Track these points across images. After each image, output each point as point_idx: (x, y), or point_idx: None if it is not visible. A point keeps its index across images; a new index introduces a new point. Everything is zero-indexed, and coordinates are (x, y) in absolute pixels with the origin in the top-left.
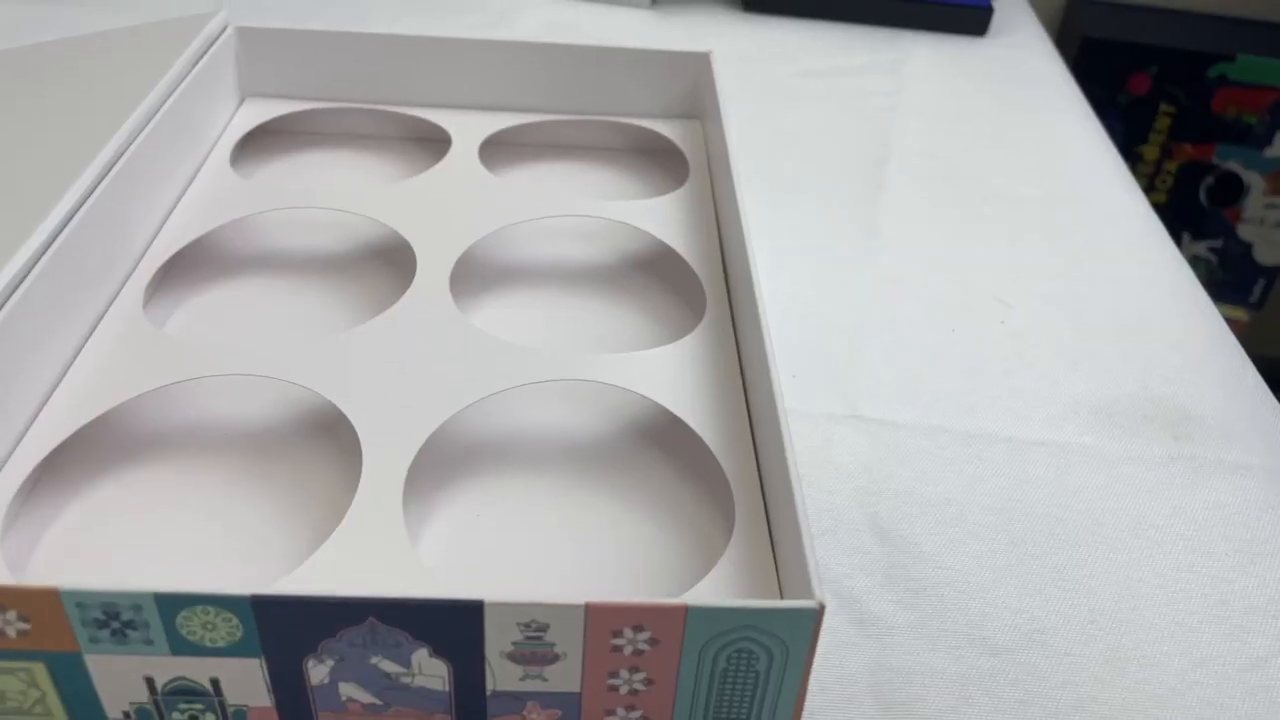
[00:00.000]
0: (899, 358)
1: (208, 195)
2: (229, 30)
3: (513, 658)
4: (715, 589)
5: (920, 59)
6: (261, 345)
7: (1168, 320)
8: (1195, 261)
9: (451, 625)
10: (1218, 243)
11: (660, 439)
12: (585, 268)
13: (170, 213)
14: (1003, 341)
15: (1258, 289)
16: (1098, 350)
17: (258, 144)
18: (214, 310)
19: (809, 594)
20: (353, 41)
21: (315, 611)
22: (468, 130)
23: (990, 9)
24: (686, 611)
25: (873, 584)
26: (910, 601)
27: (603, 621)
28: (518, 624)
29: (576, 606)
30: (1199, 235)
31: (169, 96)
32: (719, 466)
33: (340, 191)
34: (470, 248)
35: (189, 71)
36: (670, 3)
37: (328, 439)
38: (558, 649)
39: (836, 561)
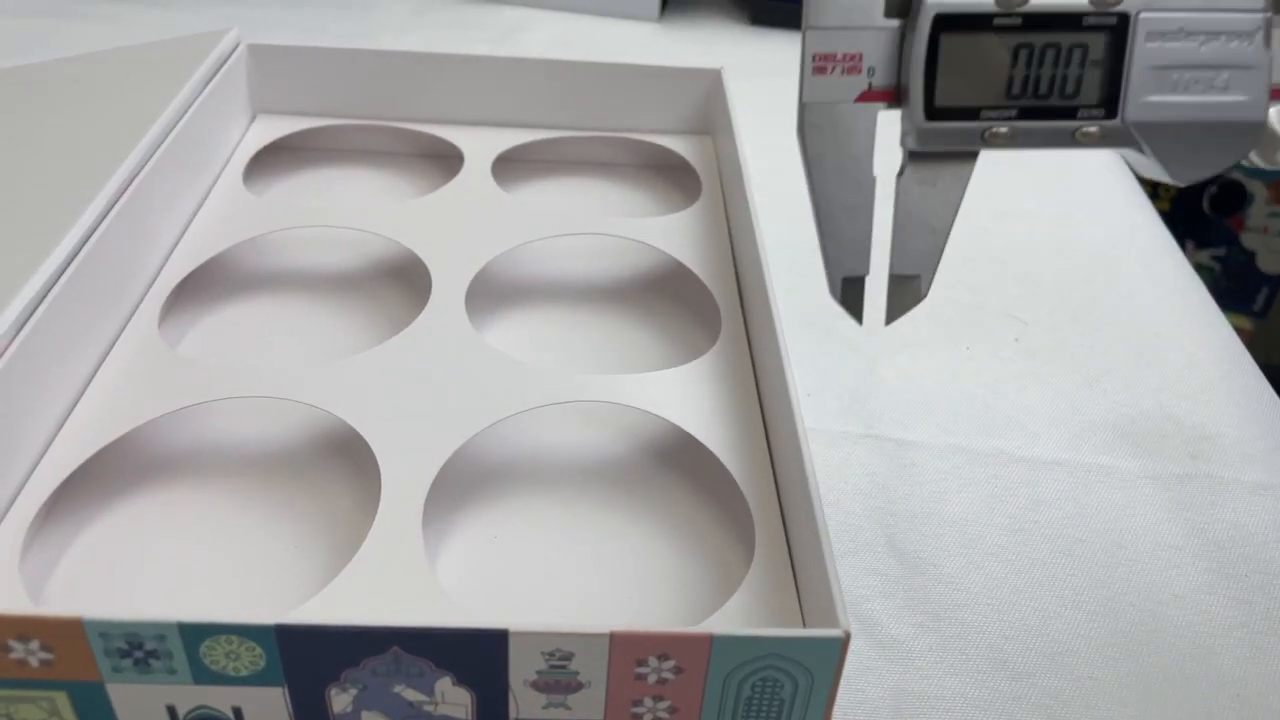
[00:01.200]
0: (915, 376)
1: (221, 214)
2: (241, 48)
3: (536, 686)
4: (737, 615)
5: None
6: (277, 366)
7: (1182, 337)
8: (1199, 270)
9: (475, 654)
10: (1221, 251)
11: (677, 460)
12: (599, 285)
13: (184, 231)
14: (1017, 359)
15: (1261, 297)
16: (1113, 368)
17: (270, 161)
18: (228, 331)
19: (834, 622)
20: (363, 58)
21: (339, 641)
22: (480, 147)
23: None
24: (711, 641)
25: (893, 607)
26: (930, 625)
27: (627, 650)
28: (542, 653)
29: (601, 635)
30: (1202, 244)
31: (183, 115)
32: (737, 489)
33: (353, 209)
34: (484, 266)
35: (202, 90)
36: (677, 17)
37: (346, 461)
38: (581, 677)
39: (856, 584)
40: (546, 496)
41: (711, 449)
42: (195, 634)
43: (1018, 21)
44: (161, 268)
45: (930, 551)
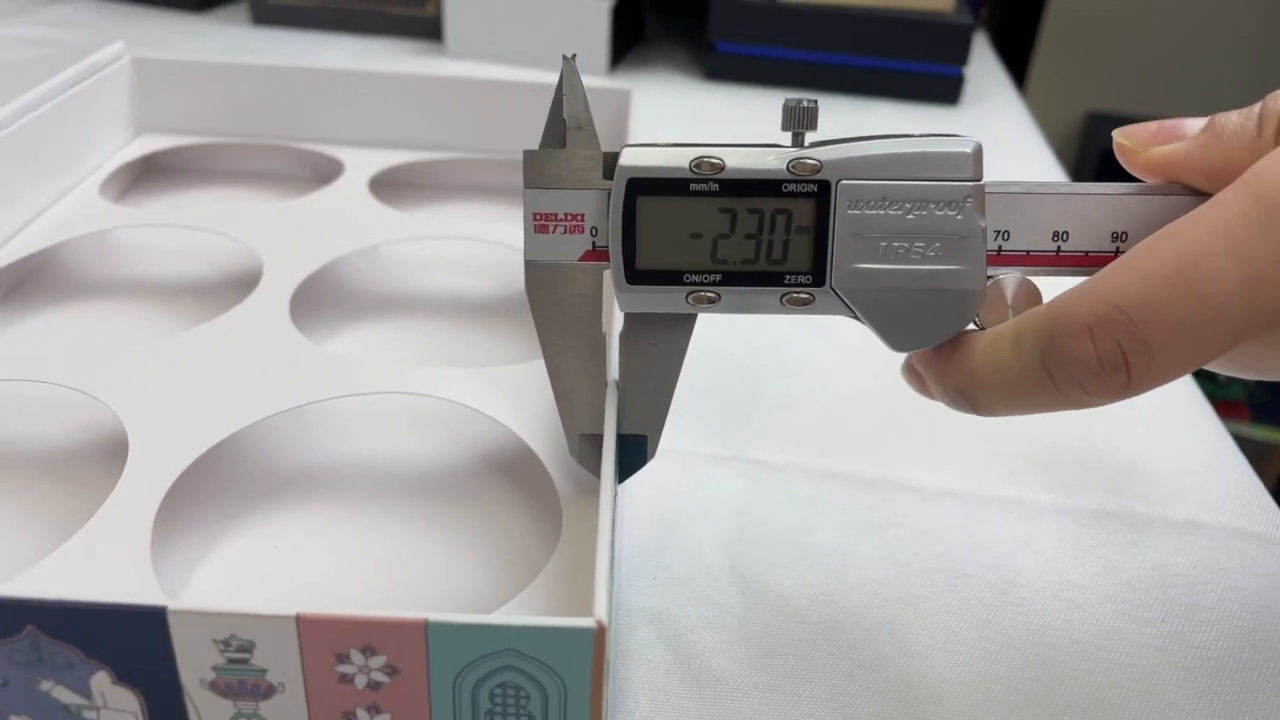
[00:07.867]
0: (803, 402)
1: (62, 219)
2: (124, 60)
3: (217, 688)
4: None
5: (889, 128)
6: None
7: None
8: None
9: (131, 641)
10: None
11: (503, 464)
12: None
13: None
14: None
15: None
16: None
17: (156, 180)
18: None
19: (589, 612)
20: (257, 75)
21: None
22: (363, 164)
23: (961, 77)
24: (426, 628)
25: (720, 639)
26: (762, 661)
27: (321, 640)
28: (214, 641)
29: (285, 619)
30: None
31: (24, 115)
32: (554, 491)
33: (209, 215)
34: (323, 267)
35: (64, 92)
36: (629, 71)
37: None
38: (271, 677)
39: (680, 612)
40: (342, 500)
41: (535, 450)
42: None
43: (714, 187)
44: None
45: (780, 581)
